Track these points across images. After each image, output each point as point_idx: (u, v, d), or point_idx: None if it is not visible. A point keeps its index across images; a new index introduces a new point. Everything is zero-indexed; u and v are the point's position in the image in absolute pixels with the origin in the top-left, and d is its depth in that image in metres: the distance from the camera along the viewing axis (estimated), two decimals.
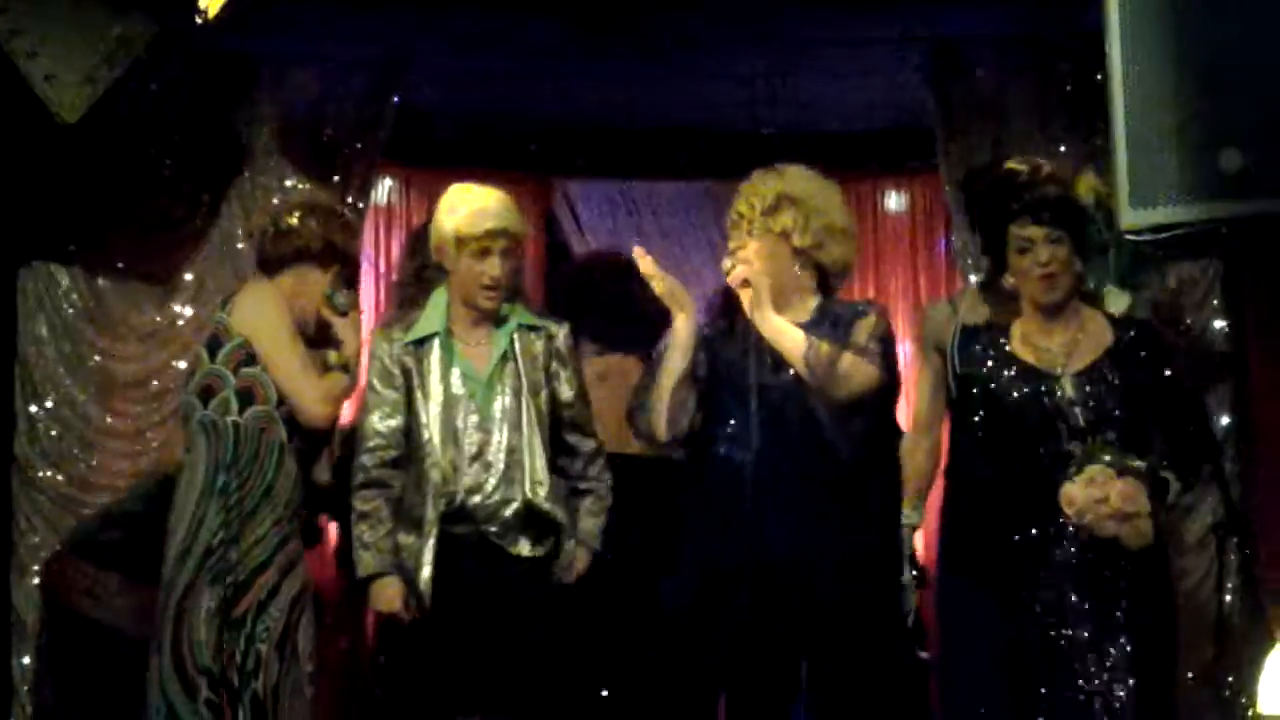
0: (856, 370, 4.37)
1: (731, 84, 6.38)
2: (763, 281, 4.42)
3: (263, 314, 4.61)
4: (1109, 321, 4.36)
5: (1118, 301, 4.81)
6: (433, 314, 4.69)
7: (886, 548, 4.55)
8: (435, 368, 4.63)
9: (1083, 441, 4.16)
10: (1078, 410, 4.19)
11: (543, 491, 4.58)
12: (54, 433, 5.70)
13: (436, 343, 4.64)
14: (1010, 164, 4.47)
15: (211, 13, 4.84)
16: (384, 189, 6.76)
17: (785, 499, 4.40)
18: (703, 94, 6.52)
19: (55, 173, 5.59)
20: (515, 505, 4.56)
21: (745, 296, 4.46)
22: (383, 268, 7.08)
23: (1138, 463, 4.09)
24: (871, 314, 4.51)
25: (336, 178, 5.92)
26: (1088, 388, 4.20)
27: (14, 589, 5.67)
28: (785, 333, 4.41)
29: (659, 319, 5.81)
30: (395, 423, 4.62)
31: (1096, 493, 4.06)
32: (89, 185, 5.67)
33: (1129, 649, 4.13)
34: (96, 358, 5.76)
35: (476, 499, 4.56)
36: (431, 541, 4.53)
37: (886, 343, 4.47)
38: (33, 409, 5.73)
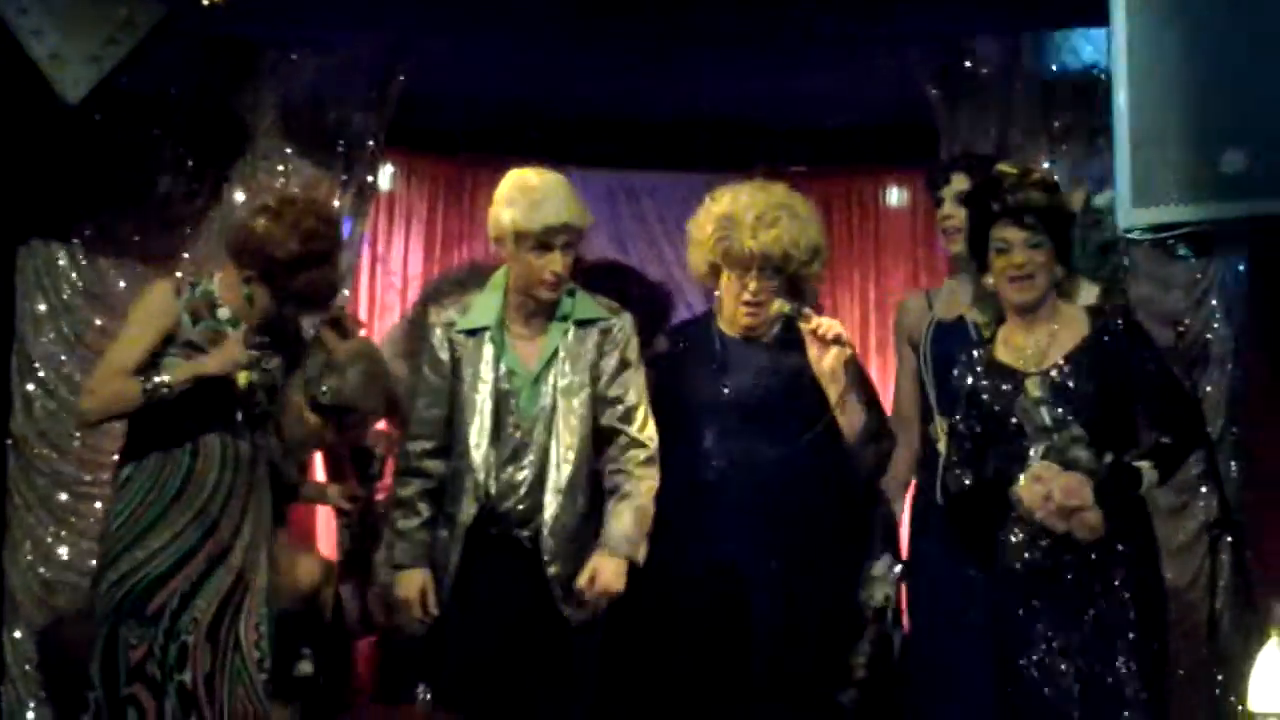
0: (883, 456, 4.71)
1: (733, 78, 6.38)
2: (851, 346, 4.63)
3: (134, 306, 4.62)
4: (1087, 314, 4.34)
5: (1088, 293, 4.82)
6: (488, 304, 4.55)
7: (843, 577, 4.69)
8: (485, 360, 4.50)
9: (1047, 438, 4.16)
10: (1044, 410, 4.18)
11: (559, 500, 4.45)
12: (51, 411, 5.69)
13: (488, 335, 4.51)
14: (1000, 167, 4.48)
15: None
16: (386, 175, 6.75)
17: (749, 518, 4.52)
18: (704, 87, 6.52)
19: (56, 152, 5.59)
20: (541, 513, 4.46)
21: (820, 330, 4.54)
22: (382, 253, 7.09)
23: (1081, 455, 4.09)
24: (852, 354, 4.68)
25: (339, 163, 5.92)
26: (1054, 386, 4.19)
27: (8, 566, 5.67)
28: (850, 401, 4.56)
29: (651, 316, 5.78)
30: (439, 411, 4.54)
31: (1040, 489, 4.07)
32: (90, 165, 5.66)
33: (1111, 650, 4.12)
34: (95, 337, 5.75)
35: (509, 502, 4.47)
36: (460, 545, 4.47)
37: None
38: (30, 387, 5.72)
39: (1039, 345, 4.27)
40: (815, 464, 4.56)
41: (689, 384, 4.67)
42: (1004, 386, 4.26)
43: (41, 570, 5.61)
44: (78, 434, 5.65)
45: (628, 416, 4.52)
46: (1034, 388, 4.20)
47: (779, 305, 4.59)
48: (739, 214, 4.59)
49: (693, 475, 4.58)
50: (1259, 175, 4.43)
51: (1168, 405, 4.27)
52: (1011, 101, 5.81)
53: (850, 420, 4.53)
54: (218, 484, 4.45)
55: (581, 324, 4.54)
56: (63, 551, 5.60)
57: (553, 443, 4.46)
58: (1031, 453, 4.15)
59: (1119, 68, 4.58)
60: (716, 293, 4.78)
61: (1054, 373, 4.21)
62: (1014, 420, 4.21)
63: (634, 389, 4.54)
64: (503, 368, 4.50)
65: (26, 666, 5.61)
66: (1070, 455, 4.10)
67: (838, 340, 4.49)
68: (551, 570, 4.44)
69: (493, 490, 4.46)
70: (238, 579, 4.47)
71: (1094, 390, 4.19)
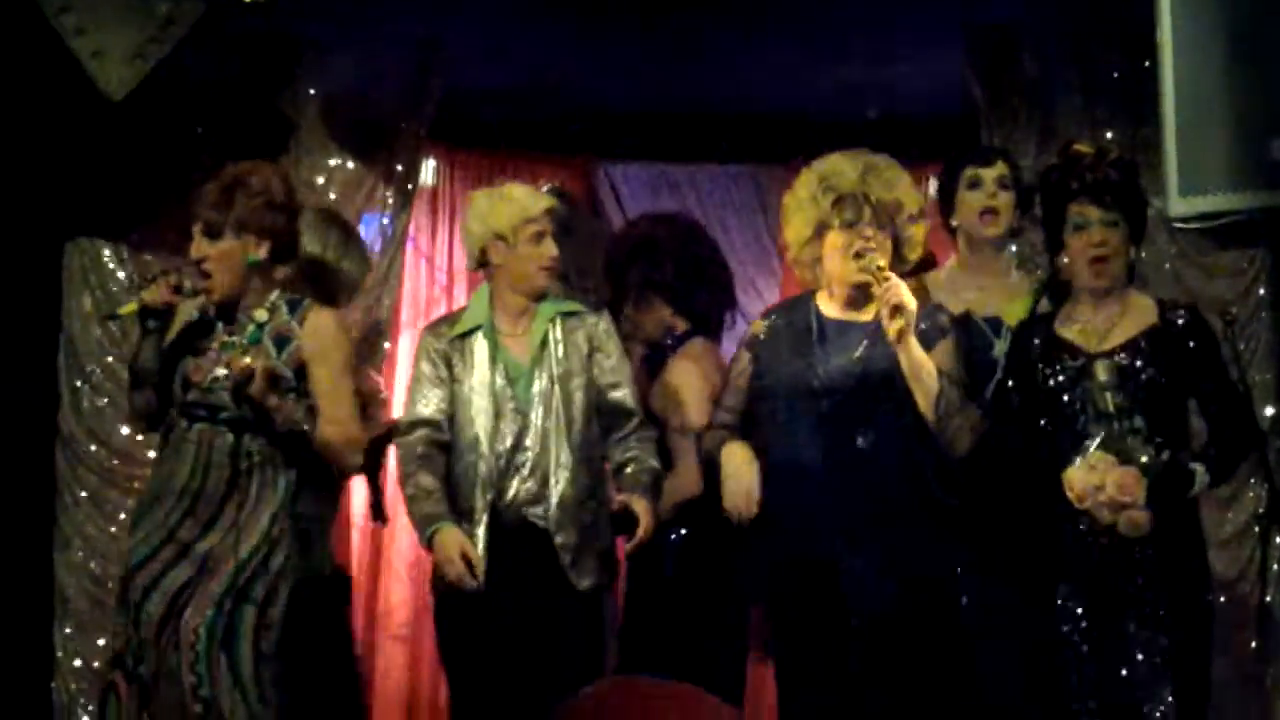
0: (975, 429, 4.35)
1: (774, 69, 6.36)
2: (913, 310, 4.32)
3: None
4: (1157, 304, 4.32)
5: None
6: (476, 308, 4.80)
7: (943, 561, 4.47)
8: (481, 360, 4.71)
9: (1107, 425, 4.14)
10: (1107, 395, 4.18)
11: (565, 475, 4.64)
12: (99, 407, 5.72)
13: (480, 335, 4.74)
14: (1077, 145, 4.43)
15: None
16: (428, 170, 6.75)
17: (851, 508, 4.37)
18: (746, 78, 6.51)
19: (100, 149, 5.62)
20: (549, 490, 4.64)
21: (882, 294, 4.33)
22: (425, 249, 7.10)
23: (1143, 454, 4.07)
24: (950, 335, 4.45)
25: (382, 157, 5.94)
26: (1119, 370, 4.18)
27: (57, 562, 5.71)
28: (925, 370, 4.34)
29: (725, 284, 5.63)
30: (435, 412, 4.71)
31: (1095, 479, 4.05)
32: (134, 162, 5.68)
33: (1156, 639, 4.12)
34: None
35: (515, 484, 4.65)
36: (483, 529, 4.61)
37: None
38: (78, 384, 5.75)
39: (1104, 323, 4.27)
40: (913, 454, 4.39)
41: (783, 368, 4.51)
42: (1068, 363, 4.24)
43: (93, 566, 5.66)
44: (125, 429, 5.67)
45: (633, 401, 4.81)
46: (1102, 371, 4.19)
47: (867, 259, 4.40)
48: (844, 167, 4.48)
49: (788, 466, 4.46)
50: None
51: (1224, 408, 4.24)
52: (1054, 92, 5.77)
53: (924, 393, 4.32)
54: (187, 484, 4.44)
55: (567, 316, 4.78)
56: (113, 547, 5.63)
57: (553, 423, 4.67)
58: (1089, 438, 4.13)
59: (1165, 56, 4.56)
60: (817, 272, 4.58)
61: (1120, 356, 4.20)
62: (1070, 399, 4.20)
63: (629, 379, 4.84)
64: (499, 363, 4.71)
65: (77, 662, 5.66)
66: (1127, 447, 4.07)
67: (898, 308, 4.30)
68: (559, 539, 4.63)
69: (503, 477, 4.64)
70: (186, 583, 4.41)
71: (1157, 379, 4.18)
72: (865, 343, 4.45)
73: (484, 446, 4.66)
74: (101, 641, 5.51)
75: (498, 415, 4.67)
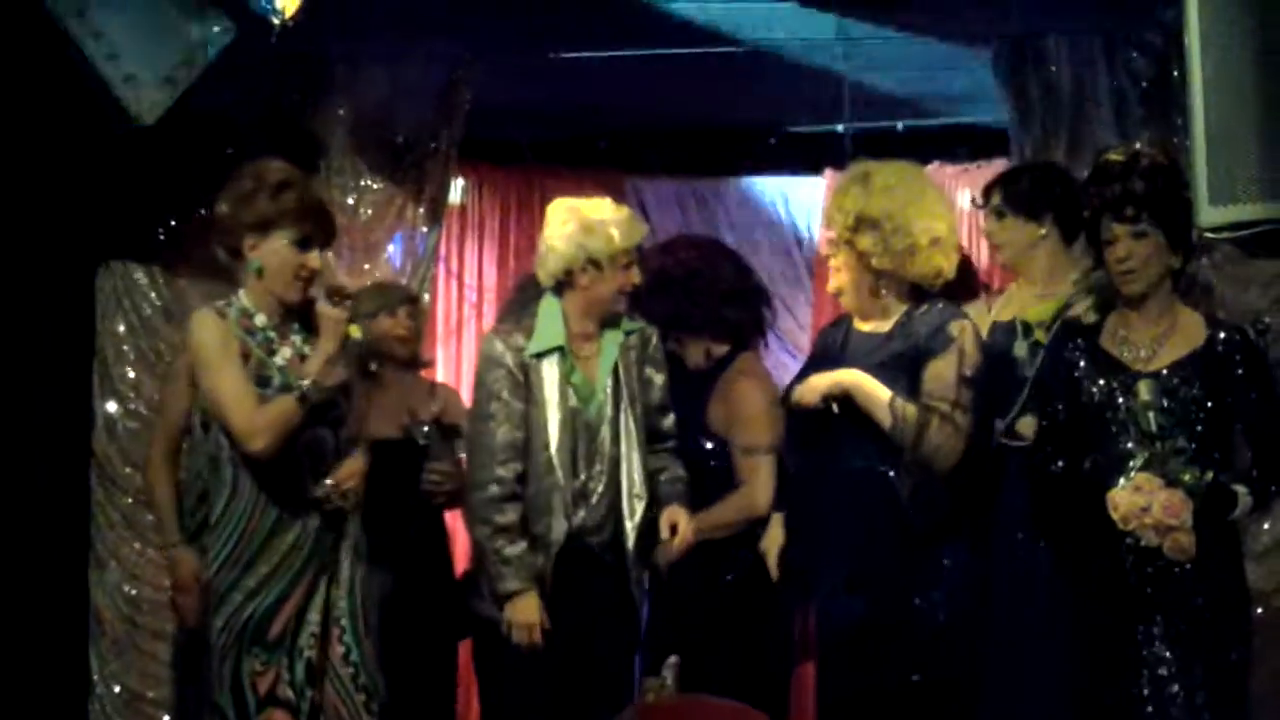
0: (947, 441, 4.32)
1: (803, 80, 6.36)
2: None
3: (197, 350, 4.38)
4: (1206, 322, 4.25)
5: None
6: (551, 326, 4.63)
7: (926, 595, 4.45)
8: (552, 380, 4.59)
9: (1150, 445, 4.11)
10: (1151, 415, 4.12)
11: (641, 504, 4.58)
12: (133, 430, 5.75)
13: (557, 356, 4.61)
14: (1108, 155, 4.37)
15: (288, 14, 4.87)
16: (457, 188, 6.77)
17: (832, 524, 4.44)
18: (774, 90, 6.51)
19: (133, 172, 5.65)
20: (617, 518, 4.58)
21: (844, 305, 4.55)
22: (455, 268, 7.12)
23: (1186, 475, 4.03)
24: (953, 348, 4.41)
25: (412, 176, 5.96)
26: (1165, 390, 4.13)
27: (93, 584, 5.74)
28: (875, 404, 4.36)
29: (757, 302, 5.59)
30: (522, 434, 4.57)
31: (1140, 500, 4.00)
32: (166, 185, 5.71)
33: (1190, 658, 4.09)
34: (174, 356, 5.79)
35: (583, 512, 4.57)
36: (553, 564, 4.53)
37: (972, 381, 4.40)
38: (111, 407, 5.79)
39: (1150, 342, 4.21)
40: (891, 476, 4.39)
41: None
42: (1111, 381, 4.19)
43: (127, 589, 5.68)
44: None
45: (665, 431, 4.75)
46: (1145, 390, 4.13)
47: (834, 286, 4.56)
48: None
49: (799, 478, 4.59)
50: None
51: (1271, 432, 4.18)
52: (1084, 100, 5.76)
53: (881, 423, 4.35)
54: (310, 515, 4.33)
55: (627, 334, 4.70)
56: (148, 569, 5.66)
57: (622, 450, 4.60)
58: (1132, 459, 4.09)
59: (1194, 63, 4.53)
60: None
61: (1165, 376, 4.14)
62: (1113, 417, 4.16)
63: (667, 401, 4.77)
64: (571, 386, 4.61)
65: (115, 687, 5.68)
66: (1171, 469, 4.04)
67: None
68: (634, 574, 4.60)
69: (575, 505, 4.56)
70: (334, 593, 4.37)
71: (1203, 400, 4.12)
72: (874, 353, 4.50)
73: (559, 474, 4.54)
74: (135, 663, 5.55)
75: (574, 439, 4.57)
